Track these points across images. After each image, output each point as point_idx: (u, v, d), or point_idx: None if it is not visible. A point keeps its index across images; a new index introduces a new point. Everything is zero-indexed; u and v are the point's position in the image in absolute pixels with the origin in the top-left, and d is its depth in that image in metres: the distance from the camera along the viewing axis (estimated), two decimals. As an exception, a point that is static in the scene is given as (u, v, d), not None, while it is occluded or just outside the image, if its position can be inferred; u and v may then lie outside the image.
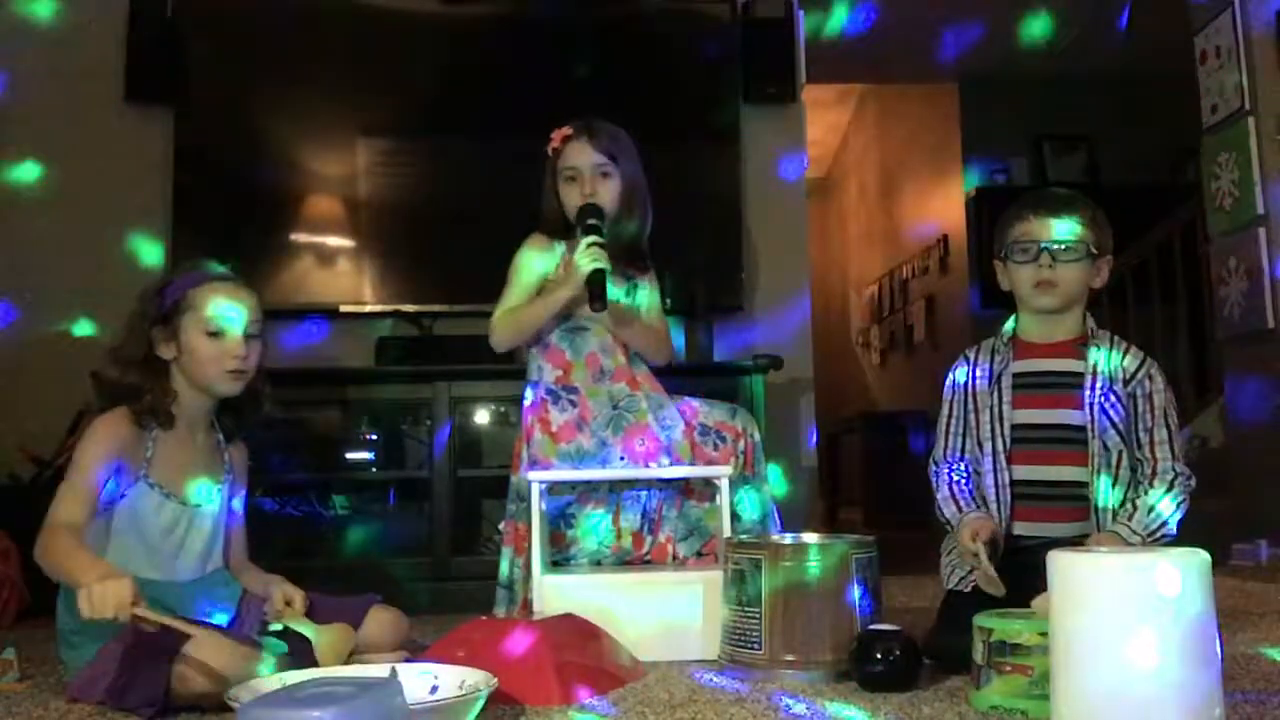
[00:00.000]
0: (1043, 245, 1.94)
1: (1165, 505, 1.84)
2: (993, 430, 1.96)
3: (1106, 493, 1.89)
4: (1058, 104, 5.73)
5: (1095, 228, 1.96)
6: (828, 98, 7.30)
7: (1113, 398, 1.91)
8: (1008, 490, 1.93)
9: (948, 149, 6.21)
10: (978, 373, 2.02)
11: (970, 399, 2.01)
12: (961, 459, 2.00)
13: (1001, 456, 1.93)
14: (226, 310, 1.82)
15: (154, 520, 1.78)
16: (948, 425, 2.04)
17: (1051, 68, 5.40)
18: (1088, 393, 1.92)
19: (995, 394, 1.97)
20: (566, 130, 2.27)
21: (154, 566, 1.77)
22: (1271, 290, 3.30)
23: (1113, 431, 1.90)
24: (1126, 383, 1.92)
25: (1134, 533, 1.82)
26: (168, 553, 1.79)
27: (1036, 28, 4.98)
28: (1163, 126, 5.20)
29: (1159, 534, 1.83)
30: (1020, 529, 1.92)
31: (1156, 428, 1.91)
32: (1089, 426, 1.90)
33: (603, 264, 2.11)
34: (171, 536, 1.80)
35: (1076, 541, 1.84)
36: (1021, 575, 1.77)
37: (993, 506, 1.93)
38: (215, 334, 1.82)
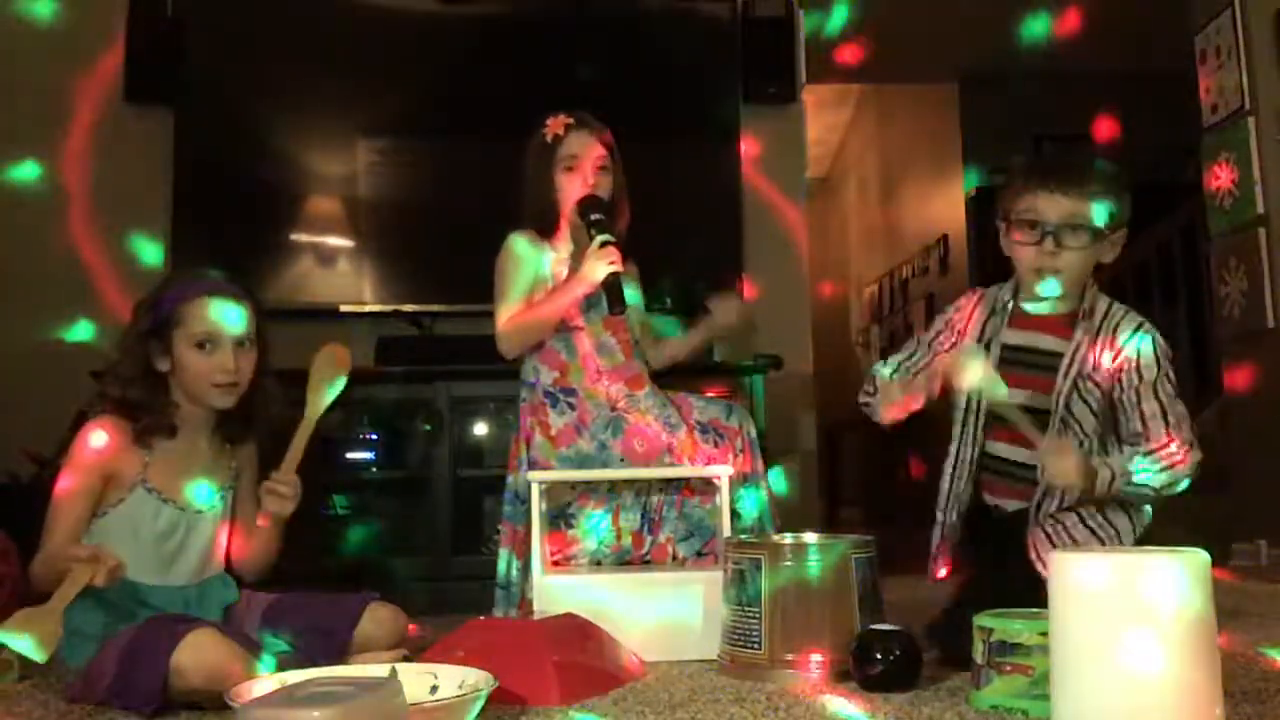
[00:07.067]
0: (1048, 229, 1.81)
1: (1141, 463, 1.70)
2: (968, 402, 1.89)
3: None
4: (1058, 104, 5.72)
5: (1111, 201, 1.82)
6: (828, 98, 7.29)
7: (1089, 384, 1.81)
8: (973, 465, 1.90)
9: (948, 149, 6.20)
10: (972, 325, 1.94)
11: (959, 341, 1.93)
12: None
13: (972, 430, 1.89)
14: (215, 323, 1.80)
15: (151, 525, 1.76)
16: (930, 341, 1.98)
17: (1051, 67, 5.39)
18: (1060, 378, 1.83)
19: None
20: (567, 119, 2.25)
21: (149, 570, 1.76)
22: (1271, 290, 3.30)
23: (1089, 417, 1.81)
24: (1115, 357, 1.79)
25: (1106, 464, 1.68)
26: (164, 557, 1.78)
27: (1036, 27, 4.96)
28: (1163, 126, 5.19)
29: (1128, 481, 1.70)
30: (987, 499, 1.92)
31: (1145, 400, 1.76)
32: (1052, 412, 1.83)
33: (618, 266, 2.11)
34: (169, 541, 1.79)
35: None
36: (1000, 543, 1.79)
37: (946, 478, 1.91)
38: (204, 346, 1.79)
